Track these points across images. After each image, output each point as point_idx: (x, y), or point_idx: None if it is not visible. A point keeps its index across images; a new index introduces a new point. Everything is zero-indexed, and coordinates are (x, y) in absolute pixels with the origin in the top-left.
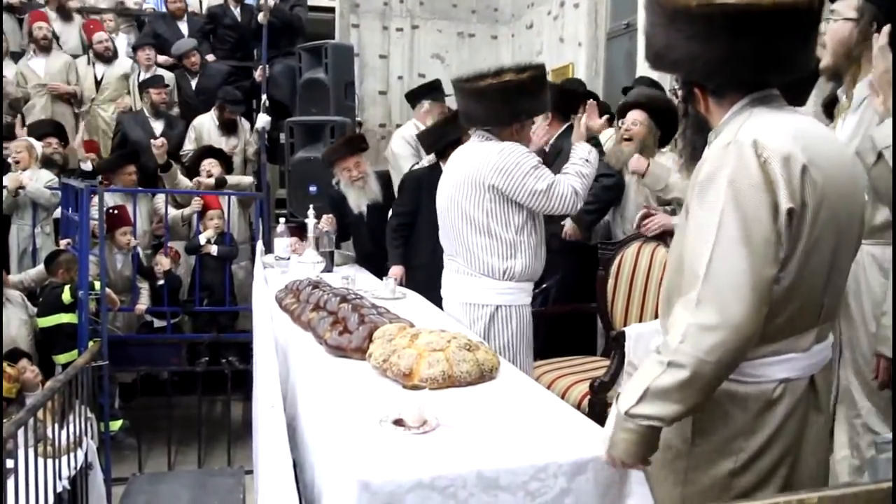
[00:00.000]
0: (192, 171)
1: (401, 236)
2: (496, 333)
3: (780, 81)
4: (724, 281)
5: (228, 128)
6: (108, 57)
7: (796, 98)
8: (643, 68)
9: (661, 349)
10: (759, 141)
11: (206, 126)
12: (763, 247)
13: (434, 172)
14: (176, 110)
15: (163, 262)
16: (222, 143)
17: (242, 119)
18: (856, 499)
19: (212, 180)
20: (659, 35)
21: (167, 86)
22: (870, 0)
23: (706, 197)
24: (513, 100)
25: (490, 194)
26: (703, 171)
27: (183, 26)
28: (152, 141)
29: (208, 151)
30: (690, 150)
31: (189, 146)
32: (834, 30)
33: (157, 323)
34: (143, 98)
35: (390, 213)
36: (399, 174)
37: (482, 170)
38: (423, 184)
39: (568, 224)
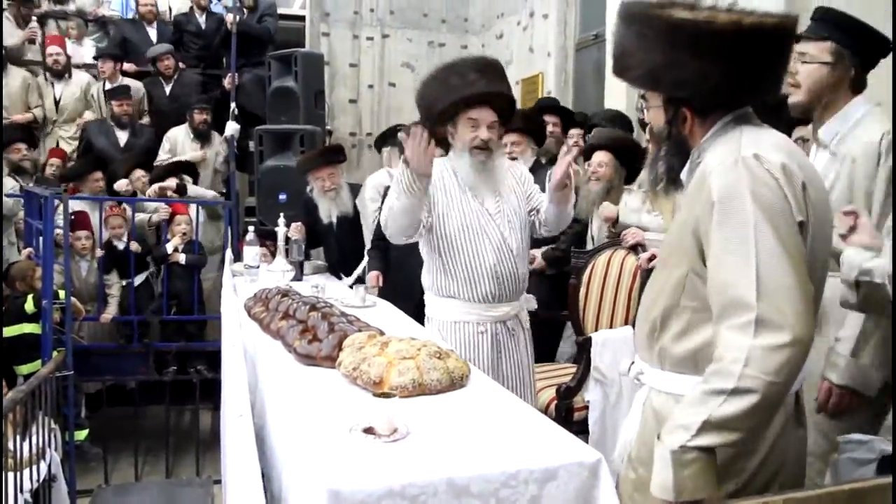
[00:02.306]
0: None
1: (379, 249)
2: None
3: (759, 101)
4: (780, 298)
5: (202, 136)
6: (58, 71)
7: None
8: (612, 80)
9: (713, 378)
10: (761, 155)
11: (180, 138)
12: (800, 258)
13: None
14: (146, 119)
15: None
16: (196, 150)
17: (213, 132)
18: (819, 500)
19: (172, 183)
20: (655, 53)
21: (130, 97)
22: (845, 46)
23: (730, 215)
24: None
25: None
26: (716, 190)
27: (152, 32)
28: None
29: (178, 167)
30: (668, 171)
31: (164, 156)
32: (809, 71)
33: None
34: (108, 108)
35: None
36: (367, 222)
37: None
38: None
39: (538, 262)
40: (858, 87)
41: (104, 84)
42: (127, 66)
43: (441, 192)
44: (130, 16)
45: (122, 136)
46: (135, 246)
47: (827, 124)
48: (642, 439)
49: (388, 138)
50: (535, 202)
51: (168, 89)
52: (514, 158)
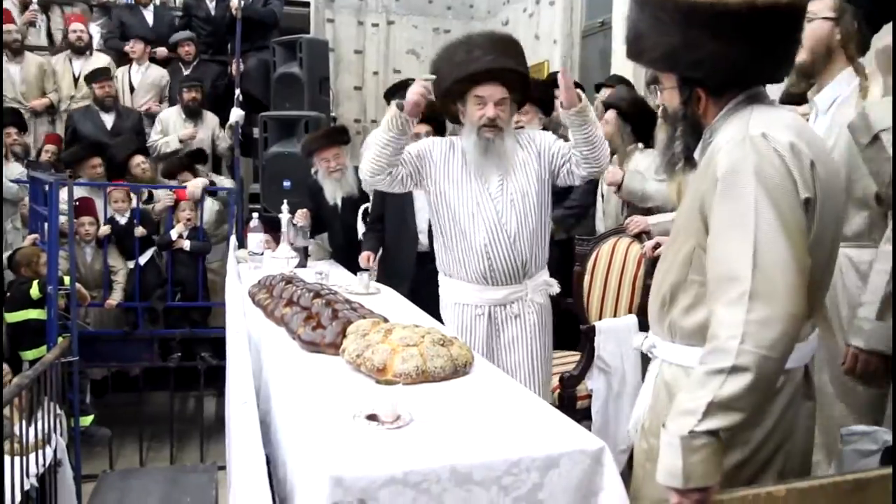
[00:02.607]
0: (124, 170)
1: (374, 231)
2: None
3: (773, 80)
4: (774, 273)
5: (193, 114)
6: (80, 48)
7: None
8: (617, 65)
9: (710, 357)
10: (769, 134)
11: (171, 118)
12: (799, 235)
13: None
14: (165, 105)
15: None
16: (188, 129)
17: (207, 113)
18: (822, 490)
19: (199, 183)
20: (671, 35)
21: (111, 79)
22: (849, 0)
23: (732, 191)
24: None
25: None
26: (722, 166)
27: (148, 15)
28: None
29: (191, 158)
30: (684, 150)
31: (155, 136)
32: (812, 28)
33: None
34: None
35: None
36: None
37: None
38: None
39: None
40: (862, 48)
41: (130, 66)
42: (159, 50)
43: (441, 170)
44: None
45: (108, 120)
46: (140, 231)
47: (824, 90)
48: (654, 411)
49: (397, 92)
50: (565, 150)
51: (186, 75)
52: (520, 127)
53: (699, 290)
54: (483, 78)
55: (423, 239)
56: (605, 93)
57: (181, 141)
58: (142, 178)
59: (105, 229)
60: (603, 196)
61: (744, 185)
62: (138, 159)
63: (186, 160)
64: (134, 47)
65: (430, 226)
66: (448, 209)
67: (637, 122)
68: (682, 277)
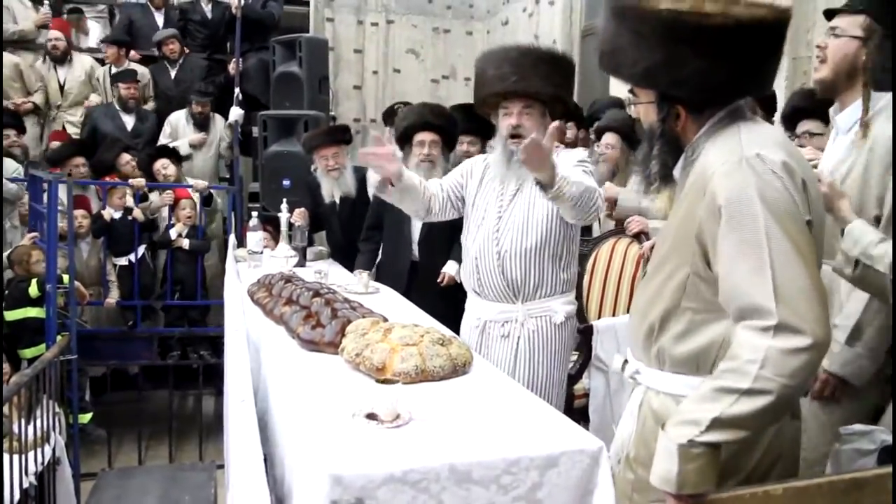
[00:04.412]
0: (147, 172)
1: (369, 241)
2: None
3: (756, 95)
4: (798, 301)
5: (201, 124)
6: (57, 57)
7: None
8: None
9: (726, 375)
10: (764, 155)
11: (181, 122)
12: (812, 258)
13: None
14: (151, 104)
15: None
16: (198, 135)
17: (216, 115)
18: (819, 489)
19: (142, 181)
20: (652, 51)
21: (138, 81)
22: (879, 22)
23: (740, 220)
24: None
25: None
26: (722, 193)
27: (159, 18)
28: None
29: (161, 151)
30: (662, 168)
31: (164, 140)
32: (838, 45)
33: None
34: (114, 92)
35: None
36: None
37: None
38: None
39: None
40: (883, 73)
41: (110, 68)
42: (132, 53)
43: (477, 186)
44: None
45: (129, 121)
46: (138, 212)
47: (847, 110)
48: (642, 440)
49: (392, 115)
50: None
51: (173, 74)
52: (467, 155)
53: (693, 318)
54: (511, 95)
55: (415, 248)
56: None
57: (192, 146)
58: (132, 175)
59: (84, 222)
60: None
61: (751, 212)
62: (125, 157)
63: (156, 153)
64: (107, 52)
65: (422, 236)
66: (467, 217)
67: (635, 139)
68: (675, 304)
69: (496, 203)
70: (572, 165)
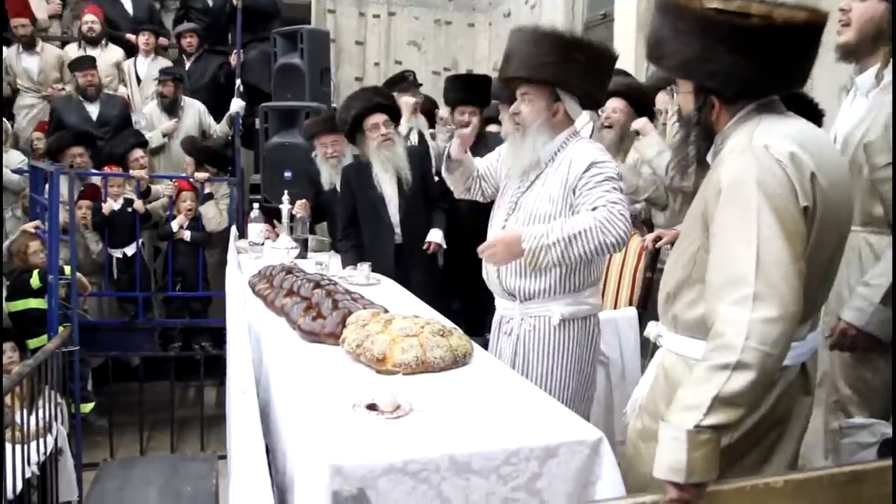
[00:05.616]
0: (122, 164)
1: (349, 238)
2: None
3: (786, 91)
4: (776, 275)
5: (169, 109)
6: (93, 39)
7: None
8: (619, 60)
9: (715, 353)
10: (770, 145)
11: (155, 113)
12: (798, 240)
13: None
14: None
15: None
16: (169, 122)
17: (187, 99)
18: (819, 482)
19: (144, 172)
20: (690, 45)
21: (95, 68)
22: None
23: (735, 199)
24: None
25: None
26: (726, 176)
27: (127, 4)
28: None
29: (136, 144)
30: (696, 154)
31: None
32: (863, 8)
33: None
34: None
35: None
36: None
37: None
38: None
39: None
40: None
41: (135, 62)
42: (162, 40)
43: (503, 168)
44: None
45: (93, 109)
46: (138, 203)
47: (868, 71)
48: (652, 392)
49: (396, 84)
50: (587, 199)
51: (188, 66)
52: (466, 125)
53: (701, 288)
54: (512, 80)
55: (398, 230)
56: None
57: (164, 135)
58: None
59: (89, 213)
60: None
61: (746, 193)
62: (137, 153)
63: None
64: (147, 40)
65: (402, 217)
66: (496, 203)
67: (641, 105)
68: (687, 275)
69: (504, 195)
70: (591, 186)
